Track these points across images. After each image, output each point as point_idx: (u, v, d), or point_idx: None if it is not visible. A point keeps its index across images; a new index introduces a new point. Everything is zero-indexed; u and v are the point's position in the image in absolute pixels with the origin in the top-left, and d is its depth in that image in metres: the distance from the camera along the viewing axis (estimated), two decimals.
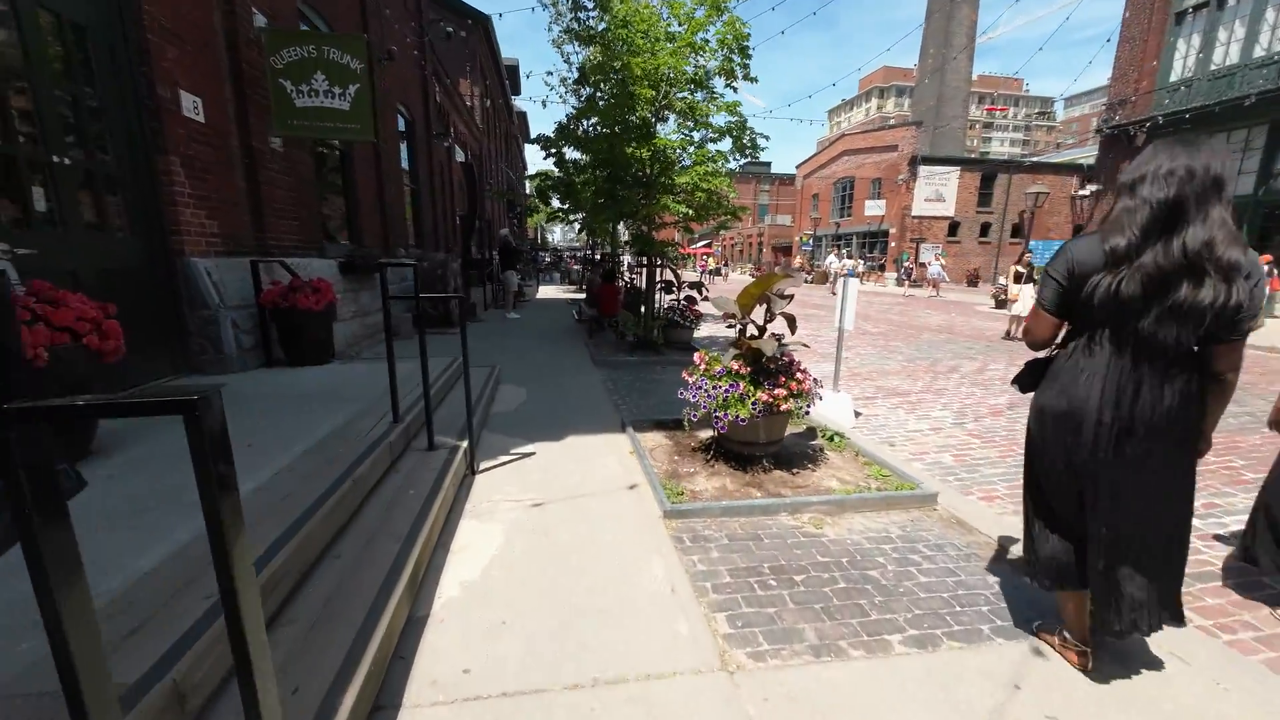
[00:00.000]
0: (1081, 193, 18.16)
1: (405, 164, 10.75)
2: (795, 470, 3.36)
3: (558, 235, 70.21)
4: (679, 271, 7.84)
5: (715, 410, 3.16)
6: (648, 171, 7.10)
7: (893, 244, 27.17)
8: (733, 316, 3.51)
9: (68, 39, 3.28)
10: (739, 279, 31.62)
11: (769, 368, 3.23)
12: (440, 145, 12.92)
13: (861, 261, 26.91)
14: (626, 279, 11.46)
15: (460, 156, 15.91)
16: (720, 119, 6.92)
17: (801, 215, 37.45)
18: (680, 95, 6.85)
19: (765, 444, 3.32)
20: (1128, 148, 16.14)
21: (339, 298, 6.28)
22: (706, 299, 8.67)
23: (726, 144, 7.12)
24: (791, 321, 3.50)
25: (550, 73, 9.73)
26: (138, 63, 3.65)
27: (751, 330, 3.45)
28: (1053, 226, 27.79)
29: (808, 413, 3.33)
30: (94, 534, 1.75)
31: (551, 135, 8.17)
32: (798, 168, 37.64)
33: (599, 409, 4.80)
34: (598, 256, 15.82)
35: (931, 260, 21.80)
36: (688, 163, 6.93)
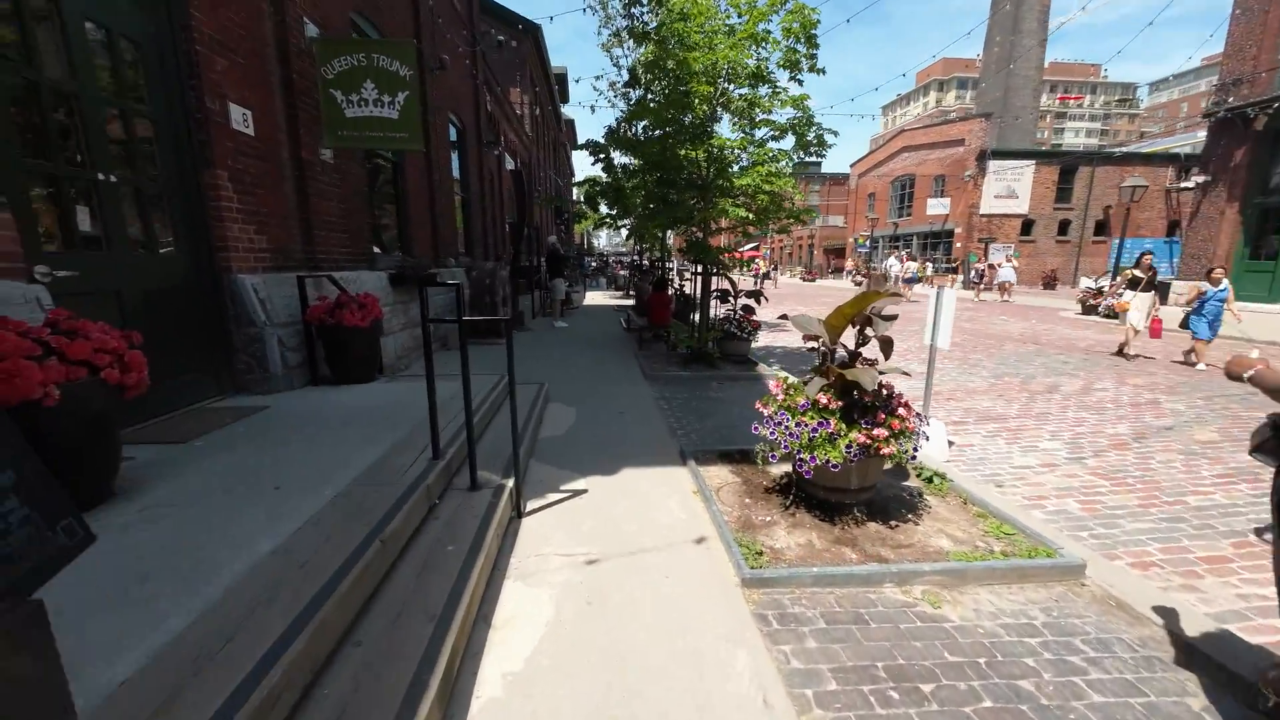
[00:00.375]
0: (1185, 185, 16.26)
1: (456, 173, 10.77)
2: (893, 523, 2.82)
3: (604, 240, 70.77)
4: (733, 278, 7.31)
5: (799, 450, 2.67)
6: (703, 174, 6.66)
7: (958, 244, 25.43)
8: (815, 339, 3.01)
9: (117, 51, 3.18)
10: (789, 283, 30.62)
11: (865, 402, 2.71)
12: (490, 154, 12.96)
13: (930, 265, 25.23)
14: (676, 285, 11.03)
15: (510, 165, 15.99)
16: (783, 115, 6.39)
17: (855, 216, 35.85)
18: (739, 92, 6.37)
19: (857, 490, 2.80)
20: (1243, 132, 14.29)
21: (388, 310, 6.18)
22: (763, 304, 8.10)
23: (789, 142, 6.58)
24: (887, 345, 2.96)
25: (599, 77, 9.49)
26: (186, 75, 3.55)
27: (840, 353, 2.94)
28: (1144, 223, 25.23)
29: (914, 457, 2.79)
30: (80, 620, 1.48)
31: (600, 140, 7.87)
32: (852, 166, 36.11)
33: (655, 434, 4.38)
34: (645, 263, 15.49)
35: (1003, 261, 20.17)
36: (746, 163, 6.43)
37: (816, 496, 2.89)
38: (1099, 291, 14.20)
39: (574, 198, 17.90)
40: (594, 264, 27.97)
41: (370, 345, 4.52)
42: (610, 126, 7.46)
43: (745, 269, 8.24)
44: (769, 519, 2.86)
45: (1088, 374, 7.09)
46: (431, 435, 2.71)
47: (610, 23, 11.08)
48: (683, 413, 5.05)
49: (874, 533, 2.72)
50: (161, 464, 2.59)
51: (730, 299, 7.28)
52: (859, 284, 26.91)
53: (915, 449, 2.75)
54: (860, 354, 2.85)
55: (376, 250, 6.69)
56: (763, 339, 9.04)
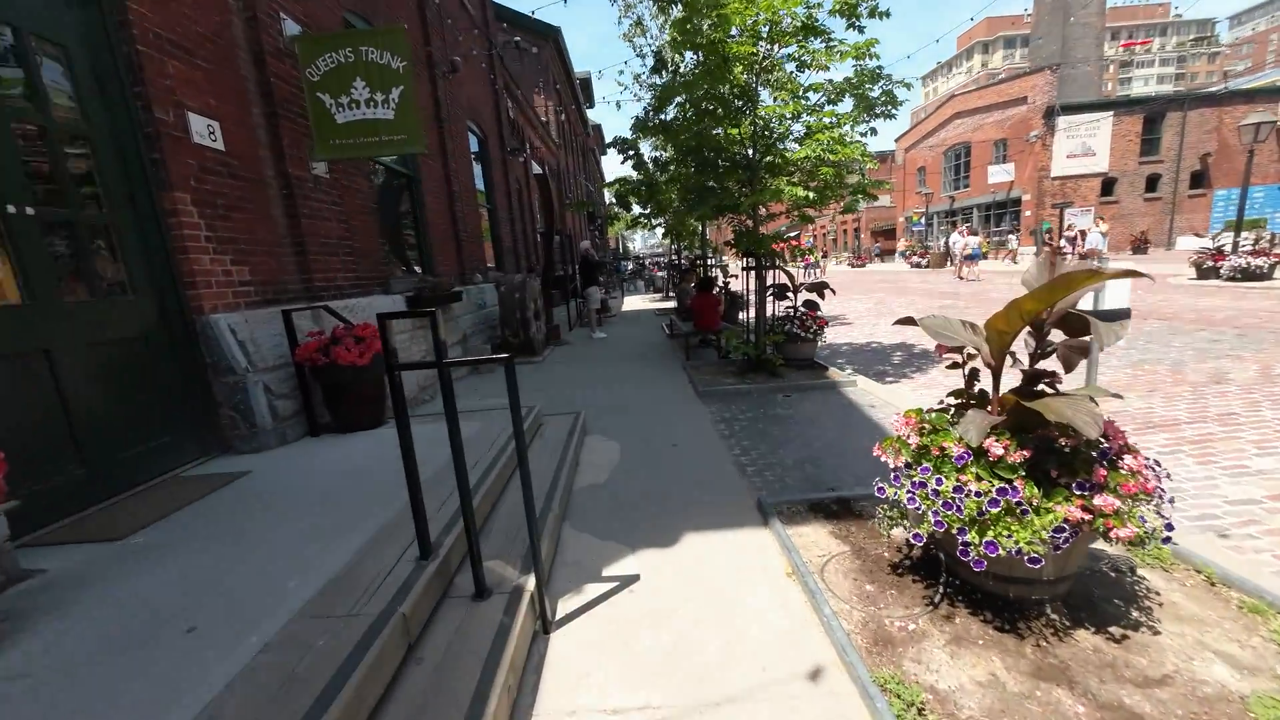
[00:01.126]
0: None
1: (480, 184, 10.24)
2: (1114, 630, 1.81)
3: (639, 242, 70.06)
4: (790, 270, 6.29)
5: (961, 528, 1.72)
6: (749, 153, 5.71)
7: (1028, 212, 23.07)
8: (959, 351, 2.05)
9: (28, 54, 2.60)
10: (837, 271, 28.85)
11: (1064, 449, 1.72)
12: (516, 160, 12.42)
13: (986, 237, 23.03)
14: (721, 283, 10.08)
15: (537, 170, 15.47)
16: (841, 70, 5.36)
17: (905, 193, 33.56)
18: (785, 52, 5.37)
19: (1052, 582, 1.81)
20: None
21: (405, 336, 5.57)
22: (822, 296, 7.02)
23: (847, 104, 5.53)
24: (1077, 356, 1.94)
25: (622, 70, 8.75)
26: (129, 81, 2.96)
27: (993, 377, 1.96)
28: (1254, 169, 22.04)
29: (1168, 537, 1.75)
30: None
31: (628, 135, 7.08)
32: (896, 141, 33.85)
33: (719, 474, 3.47)
34: (684, 262, 14.56)
35: (1091, 226, 17.94)
36: (800, 130, 5.44)
37: (982, 587, 1.93)
38: (1219, 251, 12.13)
39: (605, 201, 17.22)
40: (630, 267, 27.25)
41: (374, 385, 3.85)
42: (638, 116, 6.61)
43: (799, 258, 7.07)
44: (912, 625, 1.91)
45: (1254, 354, 5.64)
46: (417, 530, 1.93)
47: (631, 10, 10.32)
48: (749, 439, 4.12)
49: (1092, 653, 1.73)
50: (66, 583, 1.93)
51: (789, 294, 6.27)
52: (916, 265, 24.89)
53: (1166, 533, 1.70)
54: (1044, 372, 1.86)
55: (398, 271, 6.13)
56: (830, 336, 7.95)
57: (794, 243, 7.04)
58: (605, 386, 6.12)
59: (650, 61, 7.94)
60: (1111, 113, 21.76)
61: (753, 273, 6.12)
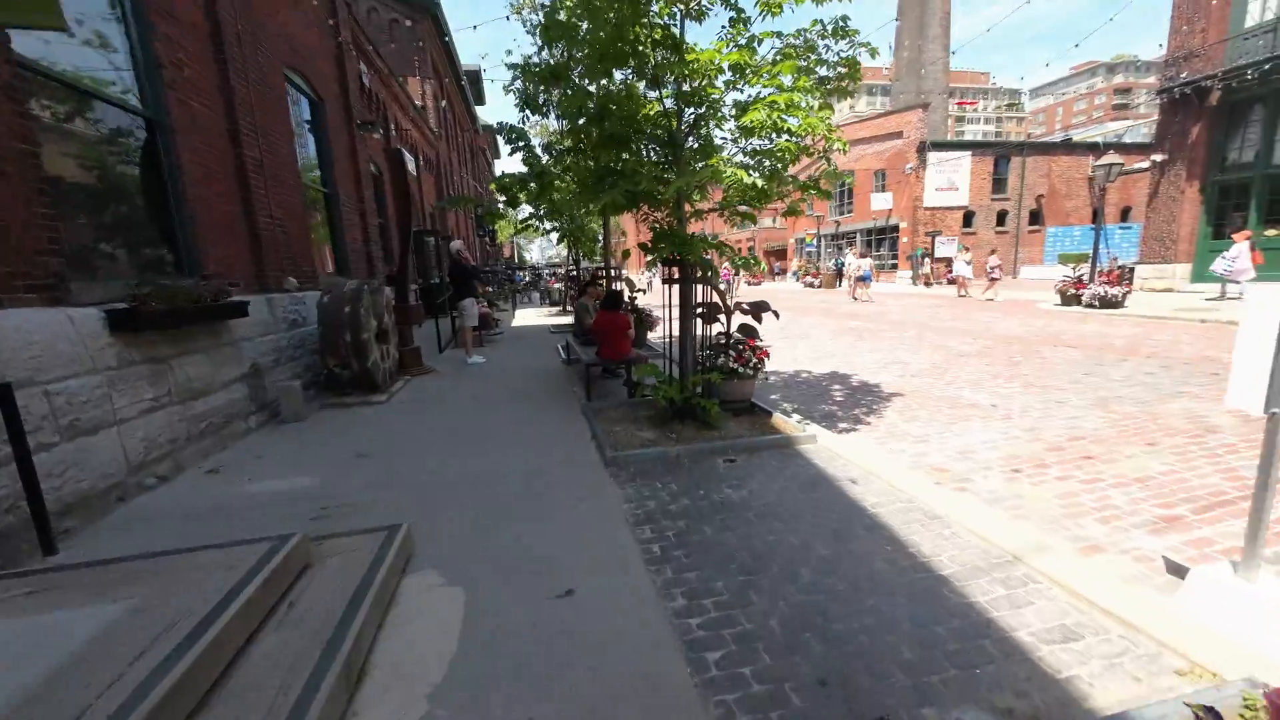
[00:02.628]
0: (1140, 166, 15.77)
1: (311, 158, 7.71)
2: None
3: (536, 253, 67.35)
4: (721, 287, 4.83)
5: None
6: (672, 124, 4.18)
7: (904, 239, 24.74)
8: None
9: None
10: (748, 292, 28.94)
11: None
12: (371, 138, 9.92)
13: (868, 261, 24.13)
14: (628, 298, 8.50)
15: (410, 164, 12.98)
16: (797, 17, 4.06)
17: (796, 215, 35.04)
18: None
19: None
20: (1198, 108, 13.78)
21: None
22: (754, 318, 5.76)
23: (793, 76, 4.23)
24: None
25: (510, 51, 7.02)
26: None
27: None
28: (1071, 210, 25.65)
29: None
30: None
31: (512, 124, 5.35)
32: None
33: (658, 684, 1.76)
34: (584, 274, 12.87)
35: (956, 255, 19.26)
36: (744, 98, 4.01)
37: None
38: (1079, 280, 13.10)
39: (496, 205, 15.00)
40: (525, 278, 24.98)
41: None
42: (518, 64, 4.80)
43: (743, 270, 5.61)
44: None
45: (1207, 391, 5.21)
46: None
47: None
48: (695, 564, 2.46)
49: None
50: None
51: (720, 317, 4.80)
52: (809, 285, 25.58)
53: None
54: None
55: (102, 269, 3.65)
56: (773, 369, 6.64)
57: (737, 249, 5.66)
58: (467, 446, 4.16)
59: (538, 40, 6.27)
60: (969, 152, 24.14)
61: (674, 287, 4.56)
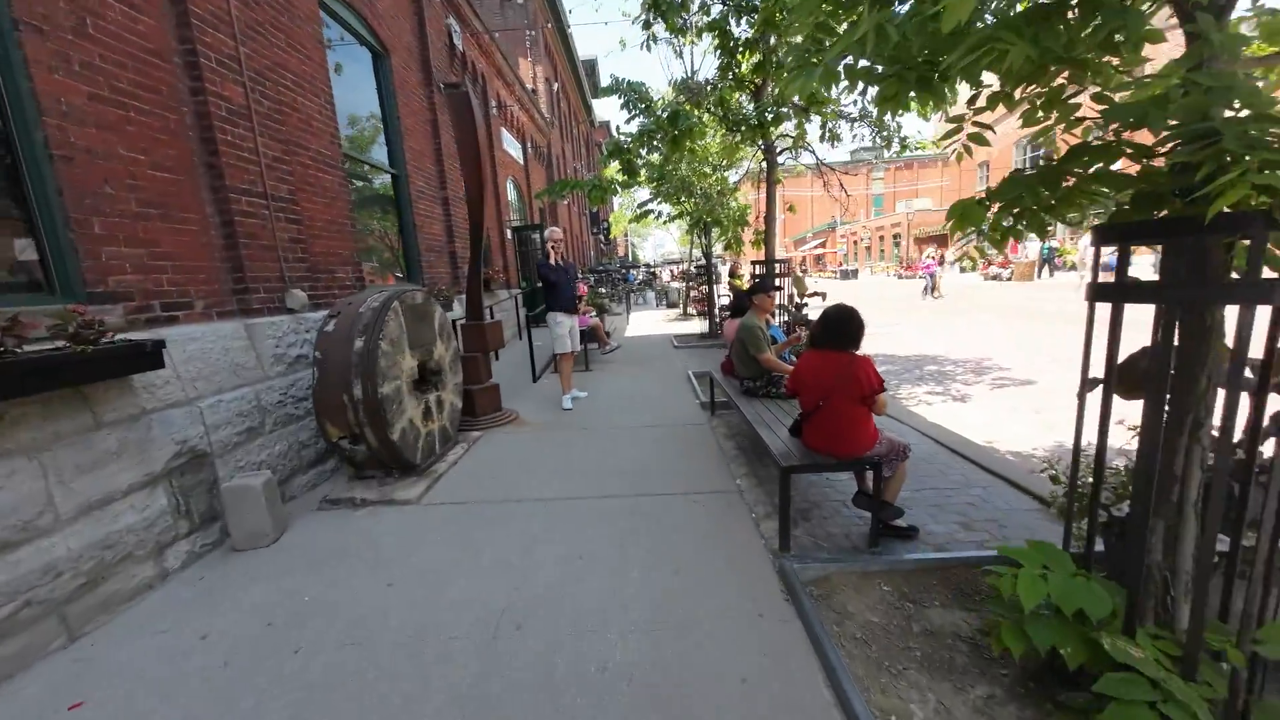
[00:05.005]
0: None
1: (352, 124, 5.80)
2: None
3: (650, 251, 65.61)
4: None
5: None
6: None
7: None
8: None
9: None
10: (887, 282, 24.22)
11: None
12: (457, 96, 8.01)
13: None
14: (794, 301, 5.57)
15: (478, 108, 11.21)
16: None
17: (961, 193, 28.83)
18: None
19: None
20: None
21: None
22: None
23: None
24: None
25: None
26: None
27: None
28: None
29: None
30: None
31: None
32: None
33: None
34: (723, 265, 10.04)
35: None
36: None
37: None
38: None
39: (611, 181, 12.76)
40: (639, 277, 22.82)
41: None
42: None
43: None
44: None
45: None
46: None
47: None
48: None
49: None
50: None
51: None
52: (996, 278, 20.04)
53: None
54: None
55: None
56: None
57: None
58: (539, 623, 1.56)
59: None
60: None
61: (1113, 308, 1.57)
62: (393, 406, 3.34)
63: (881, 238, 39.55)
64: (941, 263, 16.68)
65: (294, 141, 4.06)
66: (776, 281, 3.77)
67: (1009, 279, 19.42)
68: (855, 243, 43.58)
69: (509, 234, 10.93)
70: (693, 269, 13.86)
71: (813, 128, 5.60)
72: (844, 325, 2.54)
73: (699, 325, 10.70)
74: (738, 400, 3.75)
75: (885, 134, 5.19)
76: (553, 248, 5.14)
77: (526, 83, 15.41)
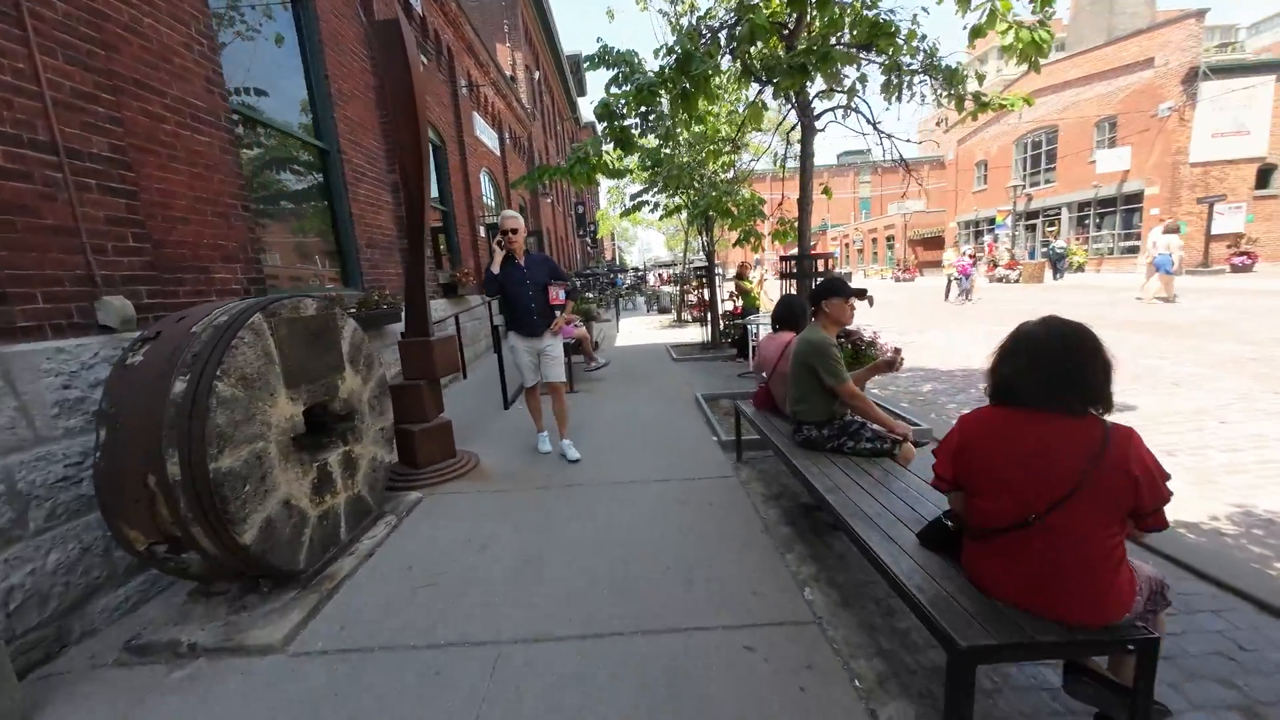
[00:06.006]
0: None
1: (293, 95, 4.47)
2: None
3: (636, 256, 64.31)
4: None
5: None
6: None
7: (1155, 210, 17.47)
8: None
9: None
10: (882, 287, 23.29)
11: None
12: (382, 26, 6.73)
13: (1176, 241, 13.22)
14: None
15: (413, 41, 9.98)
16: None
17: (959, 193, 28.13)
18: None
19: None
20: None
21: None
22: None
23: None
24: None
25: None
26: None
27: None
28: None
29: None
30: None
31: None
32: (941, 129, 28.51)
33: None
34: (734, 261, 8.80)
35: (1155, 241, 10.99)
36: None
37: None
38: None
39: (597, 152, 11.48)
40: (627, 281, 21.56)
41: None
42: None
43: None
44: None
45: None
46: None
47: None
48: None
49: None
50: None
51: None
52: (1001, 279, 19.10)
53: None
54: None
55: None
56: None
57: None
58: None
59: None
60: (1275, 76, 16.33)
61: None
62: (242, 488, 2.02)
63: (874, 240, 38.79)
64: (976, 263, 15.36)
65: (132, 78, 2.74)
66: (851, 283, 2.55)
67: (1017, 280, 18.51)
68: (847, 245, 42.83)
69: (482, 231, 9.60)
70: (689, 270, 12.63)
71: (872, 77, 4.39)
72: (1082, 356, 1.29)
73: (697, 333, 9.46)
74: (792, 456, 2.50)
75: (958, 88, 4.00)
76: (501, 244, 3.70)
77: (505, 69, 14.11)
